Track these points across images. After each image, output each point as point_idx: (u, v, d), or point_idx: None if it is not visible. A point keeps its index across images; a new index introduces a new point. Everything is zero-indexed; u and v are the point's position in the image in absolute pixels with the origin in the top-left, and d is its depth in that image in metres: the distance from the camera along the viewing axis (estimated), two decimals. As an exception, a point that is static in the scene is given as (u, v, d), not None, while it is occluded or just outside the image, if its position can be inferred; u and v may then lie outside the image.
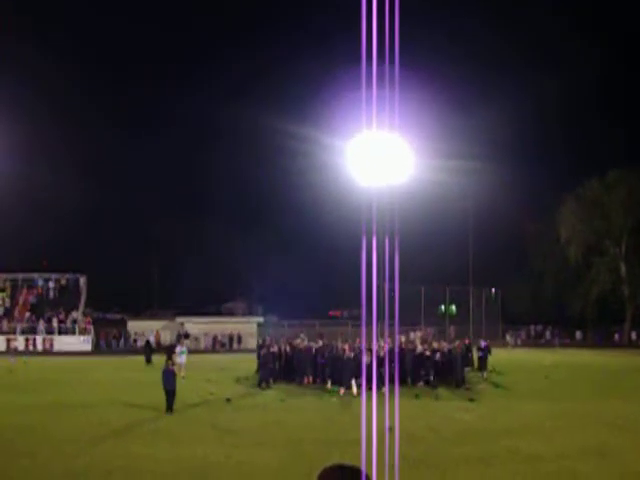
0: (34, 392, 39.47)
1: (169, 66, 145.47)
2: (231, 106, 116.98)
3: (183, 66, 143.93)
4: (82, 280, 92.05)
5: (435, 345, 47.28)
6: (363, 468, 4.06)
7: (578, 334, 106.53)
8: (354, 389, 38.20)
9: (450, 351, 45.01)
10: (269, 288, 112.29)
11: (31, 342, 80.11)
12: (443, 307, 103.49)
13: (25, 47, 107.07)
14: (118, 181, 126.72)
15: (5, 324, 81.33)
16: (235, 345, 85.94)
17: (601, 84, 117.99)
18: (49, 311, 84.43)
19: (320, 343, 46.50)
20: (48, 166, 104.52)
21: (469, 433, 26.40)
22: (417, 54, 74.72)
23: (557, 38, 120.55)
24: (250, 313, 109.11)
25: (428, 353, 43.90)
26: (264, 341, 51.33)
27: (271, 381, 42.92)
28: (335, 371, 41.21)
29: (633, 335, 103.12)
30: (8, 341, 79.79)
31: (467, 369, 47.53)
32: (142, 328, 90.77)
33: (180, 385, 38.56)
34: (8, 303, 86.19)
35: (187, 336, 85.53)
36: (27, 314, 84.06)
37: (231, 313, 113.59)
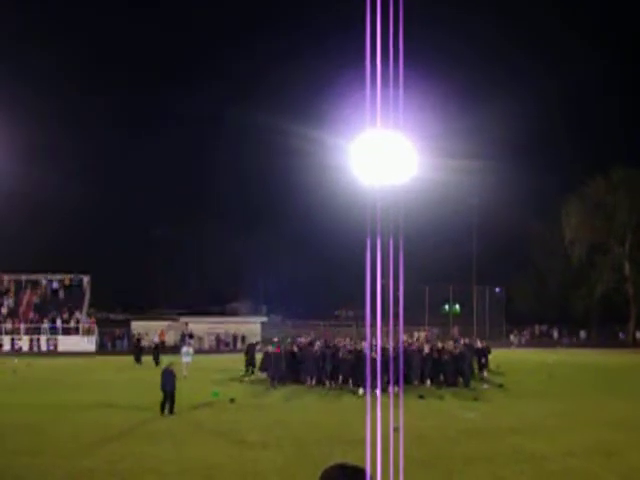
0: (38, 392, 39.51)
1: (170, 66, 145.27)
2: (234, 105, 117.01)
3: (185, 66, 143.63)
4: (86, 280, 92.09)
5: (440, 345, 47.25)
6: (367, 468, 4.04)
7: (582, 333, 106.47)
8: (360, 390, 38.15)
9: (458, 352, 44.88)
10: (273, 288, 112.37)
11: (35, 342, 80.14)
12: (447, 307, 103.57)
13: (25, 47, 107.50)
14: (122, 181, 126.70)
15: (9, 324, 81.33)
16: (239, 345, 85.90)
17: (606, 83, 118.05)
18: (53, 311, 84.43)
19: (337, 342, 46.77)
20: (51, 167, 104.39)
21: (474, 432, 26.39)
22: (421, 53, 74.67)
23: (561, 37, 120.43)
24: (254, 313, 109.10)
25: (433, 353, 43.86)
26: (257, 342, 51.77)
27: (275, 381, 42.98)
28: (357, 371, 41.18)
29: (638, 334, 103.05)
30: (12, 341, 79.84)
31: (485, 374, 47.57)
32: (146, 328, 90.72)
33: (184, 385, 38.66)
34: (12, 303, 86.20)
35: (191, 336, 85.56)
36: (31, 314, 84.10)
37: (235, 313, 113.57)
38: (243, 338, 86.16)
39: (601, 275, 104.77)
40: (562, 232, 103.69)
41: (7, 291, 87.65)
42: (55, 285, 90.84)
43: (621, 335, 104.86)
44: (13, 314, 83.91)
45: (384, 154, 10.67)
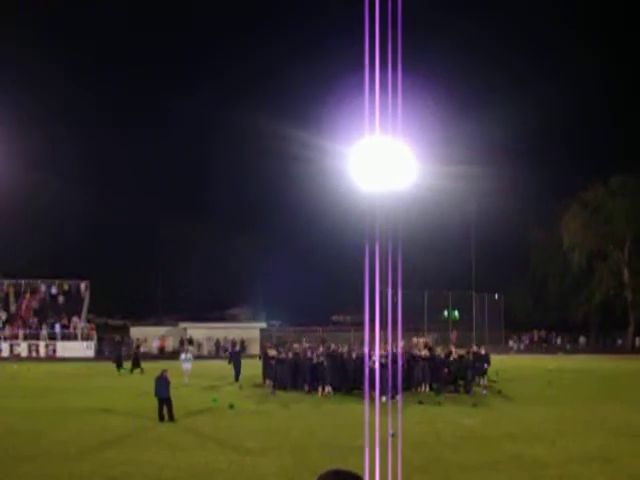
0: (37, 398, 39.53)
1: (171, 69, 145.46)
2: (233, 111, 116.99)
3: (185, 69, 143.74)
4: (84, 286, 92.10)
5: (441, 350, 47.30)
6: (366, 474, 4.07)
7: (581, 339, 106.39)
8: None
9: (459, 357, 44.85)
10: (272, 294, 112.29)
11: (34, 348, 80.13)
12: (446, 312, 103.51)
13: (25, 51, 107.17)
14: (120, 186, 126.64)
15: (8, 330, 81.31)
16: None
17: (605, 90, 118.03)
18: (52, 317, 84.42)
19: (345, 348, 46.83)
20: (51, 171, 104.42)
21: (472, 439, 26.40)
22: (420, 60, 74.70)
23: (561, 44, 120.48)
24: (253, 319, 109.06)
25: (432, 359, 43.86)
26: (240, 347, 51.95)
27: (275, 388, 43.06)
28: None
29: (637, 341, 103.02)
30: (11, 347, 79.84)
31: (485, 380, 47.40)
32: (145, 334, 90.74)
33: (183, 392, 38.70)
34: (12, 309, 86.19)
35: (191, 342, 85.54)
36: (30, 320, 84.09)
37: (234, 319, 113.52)
38: (242, 344, 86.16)
39: (600, 281, 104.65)
40: (561, 238, 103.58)
41: (7, 296, 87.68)
42: (54, 290, 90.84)
43: (619, 341, 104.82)
44: (12, 319, 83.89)
45: (383, 160, 10.71)
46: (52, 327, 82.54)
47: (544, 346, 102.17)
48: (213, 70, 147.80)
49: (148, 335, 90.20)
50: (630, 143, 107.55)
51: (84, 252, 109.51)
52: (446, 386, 42.83)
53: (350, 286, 53.68)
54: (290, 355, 45.99)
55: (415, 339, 72.88)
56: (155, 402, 31.33)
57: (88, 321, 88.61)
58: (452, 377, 43.55)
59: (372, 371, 32.16)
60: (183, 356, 49.93)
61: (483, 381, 46.70)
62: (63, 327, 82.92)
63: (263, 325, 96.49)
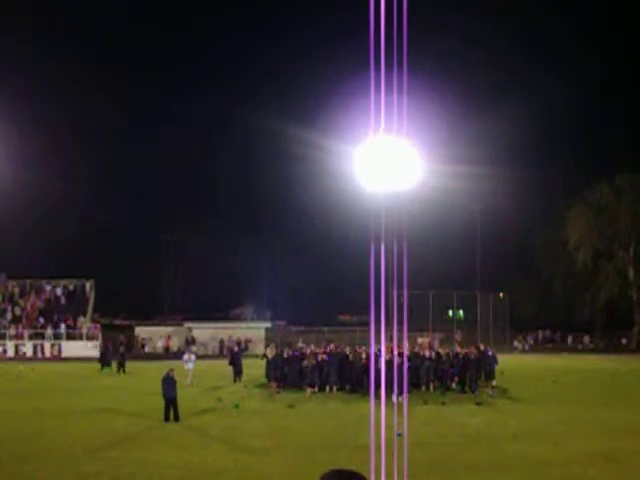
0: (42, 398, 39.54)
1: (177, 70, 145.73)
2: (238, 110, 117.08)
3: (192, 70, 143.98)
4: (89, 285, 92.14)
5: (443, 350, 47.11)
6: (372, 474, 4.06)
7: (586, 339, 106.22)
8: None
9: (464, 357, 44.65)
10: (277, 293, 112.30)
11: (39, 348, 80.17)
12: (451, 312, 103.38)
13: (28, 52, 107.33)
14: (125, 186, 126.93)
15: (13, 330, 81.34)
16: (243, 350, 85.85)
17: (610, 88, 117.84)
18: (57, 317, 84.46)
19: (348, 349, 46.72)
20: (55, 173, 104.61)
21: (477, 438, 26.38)
22: (425, 59, 74.80)
23: (566, 42, 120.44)
24: (258, 318, 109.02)
25: (437, 359, 43.80)
26: (239, 347, 51.84)
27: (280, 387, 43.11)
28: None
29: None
30: (17, 347, 79.89)
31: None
32: (150, 334, 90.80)
33: (187, 392, 38.68)
34: (17, 309, 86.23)
35: (194, 342, 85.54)
36: (35, 320, 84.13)
37: (239, 318, 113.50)
38: (247, 343, 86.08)
39: (605, 281, 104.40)
40: (566, 238, 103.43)
41: (12, 296, 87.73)
42: (59, 291, 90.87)
43: (624, 341, 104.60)
44: (17, 320, 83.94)
45: (388, 160, 10.68)
46: (57, 327, 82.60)
47: (549, 346, 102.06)
48: (220, 70, 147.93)
49: (153, 335, 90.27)
50: (636, 142, 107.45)
51: (89, 252, 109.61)
52: (450, 386, 42.83)
53: (356, 286, 53.66)
54: (294, 355, 46.08)
55: (420, 339, 72.87)
56: (160, 402, 31.33)
57: (93, 321, 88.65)
58: (456, 377, 43.48)
59: (377, 371, 32.14)
60: (186, 356, 49.65)
61: (492, 382, 46.09)
62: (68, 327, 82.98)
63: (268, 325, 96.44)
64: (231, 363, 50.71)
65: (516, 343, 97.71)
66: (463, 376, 43.25)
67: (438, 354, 44.84)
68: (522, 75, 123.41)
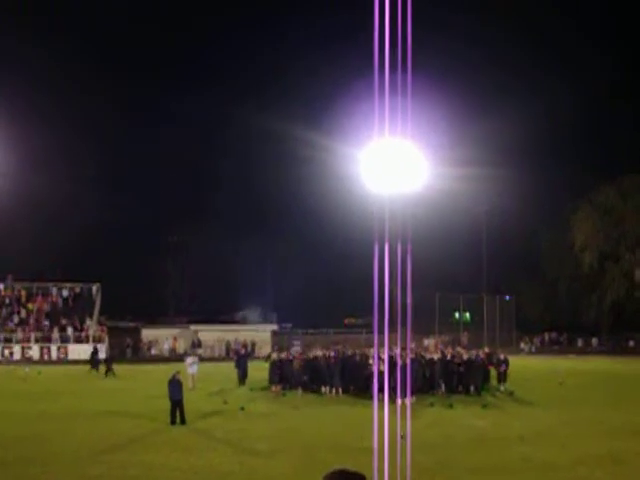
0: (48, 401, 39.60)
1: (181, 71, 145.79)
2: (242, 112, 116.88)
3: (194, 69, 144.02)
4: (96, 288, 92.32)
5: (450, 352, 46.97)
6: (375, 476, 4.08)
7: (593, 341, 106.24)
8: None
9: (470, 359, 44.47)
10: (283, 296, 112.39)
11: (46, 351, 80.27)
12: (457, 314, 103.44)
13: (41, 51, 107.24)
14: (131, 188, 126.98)
15: (20, 333, 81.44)
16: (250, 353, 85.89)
17: (616, 90, 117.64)
18: (63, 320, 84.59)
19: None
20: (62, 175, 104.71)
21: (483, 441, 26.37)
22: (430, 61, 74.73)
23: (572, 44, 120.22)
24: (264, 321, 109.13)
25: (444, 361, 43.74)
26: (246, 350, 51.61)
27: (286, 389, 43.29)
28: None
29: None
30: (23, 350, 80.00)
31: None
32: (156, 336, 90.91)
33: (193, 394, 38.74)
34: (24, 313, 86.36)
35: (200, 344, 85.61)
36: (42, 323, 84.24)
37: (245, 321, 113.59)
38: (253, 346, 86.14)
39: (612, 283, 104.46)
40: (572, 239, 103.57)
41: (19, 299, 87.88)
42: (65, 293, 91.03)
43: (631, 343, 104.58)
44: (24, 322, 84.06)
45: (394, 162, 10.68)
46: (64, 330, 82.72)
47: (555, 348, 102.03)
48: (223, 70, 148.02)
49: (159, 337, 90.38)
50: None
51: (95, 255, 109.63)
52: (457, 389, 42.78)
53: (362, 289, 53.60)
54: (300, 357, 46.22)
55: (426, 341, 72.89)
56: (166, 404, 31.37)
57: (99, 323, 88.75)
58: (463, 379, 43.41)
59: (381, 373, 32.16)
60: (189, 360, 49.19)
61: (503, 386, 44.78)
62: (75, 330, 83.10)
63: (274, 327, 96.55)
64: (237, 366, 50.34)
65: (522, 345, 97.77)
66: (468, 379, 43.20)
67: (444, 356, 44.74)
68: (528, 77, 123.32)
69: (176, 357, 74.19)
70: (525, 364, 67.02)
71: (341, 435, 27.70)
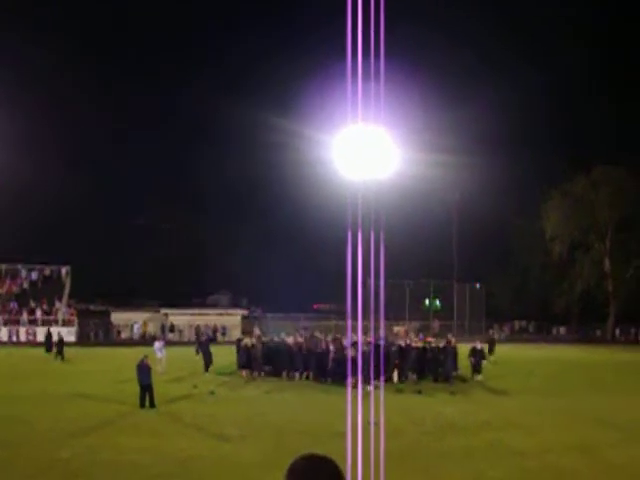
0: (17, 383, 39.47)
1: (157, 60, 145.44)
2: (217, 100, 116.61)
3: (171, 60, 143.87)
4: (65, 271, 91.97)
5: (420, 339, 46.98)
6: (348, 461, 4.09)
7: (562, 329, 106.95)
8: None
9: (440, 347, 44.34)
10: (254, 281, 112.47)
11: (14, 333, 79.93)
12: (427, 302, 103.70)
13: (16, 38, 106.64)
14: (104, 172, 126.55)
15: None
16: (219, 337, 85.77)
17: (589, 80, 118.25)
18: (32, 302, 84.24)
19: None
20: (33, 157, 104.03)
21: (451, 427, 26.48)
22: (402, 47, 74.63)
23: (546, 32, 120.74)
24: (235, 305, 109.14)
25: (413, 348, 43.74)
26: (208, 336, 51.27)
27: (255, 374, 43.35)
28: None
29: (617, 331, 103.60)
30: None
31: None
32: (126, 320, 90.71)
33: (163, 378, 38.70)
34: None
35: (172, 329, 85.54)
36: (11, 305, 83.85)
37: (216, 305, 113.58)
38: (224, 330, 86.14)
39: (581, 272, 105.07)
40: (543, 228, 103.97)
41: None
42: (35, 276, 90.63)
43: (599, 332, 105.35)
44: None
45: (366, 148, 10.69)
46: (33, 312, 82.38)
47: (525, 336, 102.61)
48: (197, 63, 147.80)
49: (129, 320, 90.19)
50: (613, 134, 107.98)
51: (65, 237, 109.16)
52: (424, 374, 42.83)
53: (332, 275, 53.61)
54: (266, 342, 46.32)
55: (396, 328, 73.00)
56: (136, 388, 31.32)
57: (69, 306, 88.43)
58: (431, 365, 43.43)
59: (354, 360, 32.23)
60: (157, 344, 48.81)
61: (478, 377, 43.82)
62: (43, 312, 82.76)
63: (244, 312, 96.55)
64: (197, 353, 48.96)
65: (492, 332, 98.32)
66: (437, 366, 43.26)
67: (410, 343, 44.67)
68: (502, 65, 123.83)
69: (146, 341, 73.93)
70: (495, 352, 67.29)
71: (312, 420, 27.73)
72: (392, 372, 41.38)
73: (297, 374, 42.67)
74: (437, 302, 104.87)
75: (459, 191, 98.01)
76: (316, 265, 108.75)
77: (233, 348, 48.47)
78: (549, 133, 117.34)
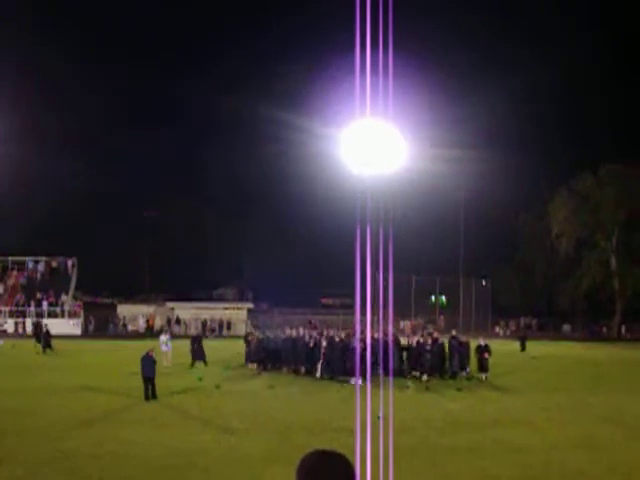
0: (22, 375, 39.54)
1: (165, 54, 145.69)
2: (225, 95, 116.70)
3: (178, 55, 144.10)
4: (72, 263, 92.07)
5: (428, 336, 46.80)
6: (357, 455, 4.07)
7: (567, 327, 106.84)
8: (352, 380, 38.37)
9: (444, 343, 44.16)
10: (261, 275, 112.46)
11: (20, 325, 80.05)
12: (433, 297, 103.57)
13: (22, 32, 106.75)
14: (112, 165, 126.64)
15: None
16: (225, 331, 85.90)
17: (597, 79, 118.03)
18: (39, 294, 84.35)
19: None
20: (40, 149, 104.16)
21: (458, 424, 26.44)
22: (410, 42, 74.55)
23: (554, 29, 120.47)
24: (241, 299, 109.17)
25: (418, 343, 43.65)
26: (198, 334, 51.24)
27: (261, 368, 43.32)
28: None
29: (622, 329, 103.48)
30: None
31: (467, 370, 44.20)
32: (132, 312, 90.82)
33: (169, 371, 38.73)
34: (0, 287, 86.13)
35: (178, 322, 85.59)
36: (17, 297, 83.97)
37: (222, 299, 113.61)
38: (229, 324, 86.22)
39: (587, 269, 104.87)
40: (549, 225, 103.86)
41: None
42: (41, 268, 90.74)
43: (605, 329, 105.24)
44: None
45: (374, 143, 10.65)
46: (39, 304, 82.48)
47: (530, 332, 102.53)
48: (205, 57, 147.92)
49: (135, 313, 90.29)
50: (620, 133, 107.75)
51: (72, 230, 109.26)
52: (431, 371, 42.69)
53: (339, 269, 53.52)
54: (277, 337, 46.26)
55: (402, 323, 72.97)
56: (141, 381, 31.37)
57: (75, 299, 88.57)
58: (437, 362, 43.29)
59: (363, 354, 32.22)
60: (162, 338, 48.73)
61: (483, 374, 42.76)
62: (50, 304, 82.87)
63: (250, 306, 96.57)
64: (193, 347, 47.75)
65: (497, 329, 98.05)
66: (443, 362, 43.13)
67: (418, 340, 44.57)
68: (509, 60, 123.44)
69: (152, 334, 74.06)
70: (500, 348, 67.24)
71: (317, 415, 27.72)
72: (399, 368, 41.34)
73: (319, 367, 42.10)
74: (443, 298, 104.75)
75: (466, 187, 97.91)
76: (323, 259, 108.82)
77: (240, 342, 48.51)
78: (557, 130, 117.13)
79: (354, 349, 38.42)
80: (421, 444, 22.45)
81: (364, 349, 32.04)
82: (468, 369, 43.81)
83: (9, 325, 79.80)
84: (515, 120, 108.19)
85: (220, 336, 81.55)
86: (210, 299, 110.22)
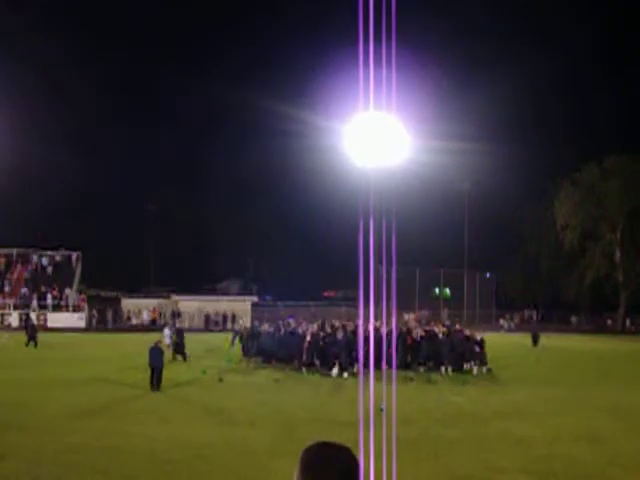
0: (26, 368, 39.58)
1: (169, 50, 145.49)
2: (230, 88, 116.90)
3: (183, 49, 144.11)
4: (76, 257, 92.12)
5: (434, 328, 46.75)
6: (361, 447, 4.08)
7: (572, 319, 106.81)
8: (334, 371, 38.44)
9: (448, 335, 44.18)
10: (264, 268, 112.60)
11: (25, 318, 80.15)
12: (437, 290, 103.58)
13: (22, 24, 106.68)
14: (116, 158, 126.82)
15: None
16: (229, 324, 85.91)
17: (601, 69, 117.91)
18: (43, 287, 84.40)
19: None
20: (45, 142, 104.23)
21: (461, 416, 26.46)
22: (414, 34, 74.50)
23: (557, 21, 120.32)
24: (245, 293, 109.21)
25: (423, 336, 43.64)
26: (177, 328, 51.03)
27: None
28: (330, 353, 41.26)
29: (627, 321, 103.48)
30: (2, 317, 79.85)
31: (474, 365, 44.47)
32: (136, 306, 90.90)
33: (173, 364, 38.78)
34: (4, 279, 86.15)
35: (179, 315, 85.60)
36: (21, 290, 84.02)
37: (226, 292, 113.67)
38: (233, 317, 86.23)
39: (592, 262, 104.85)
40: (554, 217, 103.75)
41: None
42: (45, 261, 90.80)
43: (609, 322, 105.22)
44: (2, 290, 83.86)
45: (377, 136, 10.67)
46: (43, 297, 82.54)
47: (534, 325, 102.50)
48: (210, 52, 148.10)
49: (140, 307, 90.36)
50: (625, 124, 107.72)
51: (76, 223, 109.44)
52: (436, 363, 42.69)
53: (342, 262, 53.61)
54: (281, 330, 46.23)
55: (406, 315, 72.99)
56: (144, 373, 31.50)
57: (79, 292, 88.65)
58: (442, 354, 43.26)
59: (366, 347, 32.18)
60: (166, 331, 48.64)
61: (481, 369, 42.30)
62: (54, 298, 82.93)
63: (254, 299, 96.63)
64: (175, 341, 46.58)
65: (502, 322, 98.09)
66: (446, 355, 43.01)
67: (422, 332, 44.55)
68: (513, 52, 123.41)
69: (157, 327, 74.11)
70: (504, 341, 67.31)
71: (320, 408, 27.76)
72: (403, 360, 41.35)
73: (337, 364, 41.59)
74: (447, 290, 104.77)
75: (470, 179, 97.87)
76: (326, 253, 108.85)
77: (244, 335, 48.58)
78: (561, 122, 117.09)
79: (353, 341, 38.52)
80: (424, 436, 22.46)
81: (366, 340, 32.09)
82: (471, 362, 43.72)
83: (14, 318, 79.84)
84: (519, 112, 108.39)
85: (224, 329, 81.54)
86: (214, 292, 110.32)
